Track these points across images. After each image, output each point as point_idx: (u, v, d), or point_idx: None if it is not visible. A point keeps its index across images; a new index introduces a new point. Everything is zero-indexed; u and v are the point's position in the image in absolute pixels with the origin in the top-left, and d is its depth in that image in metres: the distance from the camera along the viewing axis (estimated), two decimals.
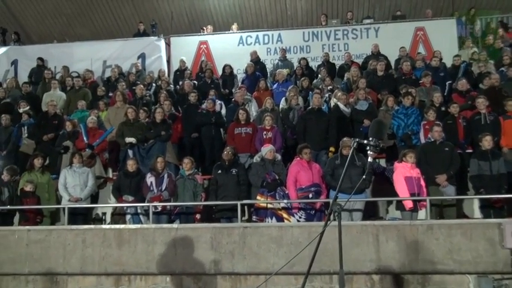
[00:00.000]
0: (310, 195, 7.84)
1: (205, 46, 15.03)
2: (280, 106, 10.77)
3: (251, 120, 9.87)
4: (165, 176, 8.37)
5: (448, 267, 6.66)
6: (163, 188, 8.26)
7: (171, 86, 12.89)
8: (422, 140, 8.80)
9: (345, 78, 12.03)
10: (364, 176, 4.42)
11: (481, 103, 8.93)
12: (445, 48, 12.92)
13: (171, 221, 8.16)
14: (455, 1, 15.40)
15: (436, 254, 6.71)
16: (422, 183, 7.64)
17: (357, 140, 4.20)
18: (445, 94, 10.65)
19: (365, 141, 4.06)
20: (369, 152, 4.07)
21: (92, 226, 7.99)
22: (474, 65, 11.65)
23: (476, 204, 8.15)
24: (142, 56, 14.69)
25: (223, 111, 10.85)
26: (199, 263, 7.12)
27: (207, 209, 8.46)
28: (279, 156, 8.65)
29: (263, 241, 7.12)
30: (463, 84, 10.31)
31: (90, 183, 8.68)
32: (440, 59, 12.01)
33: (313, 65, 13.58)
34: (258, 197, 7.99)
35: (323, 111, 9.77)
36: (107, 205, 9.23)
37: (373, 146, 4.02)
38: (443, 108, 9.55)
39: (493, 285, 6.46)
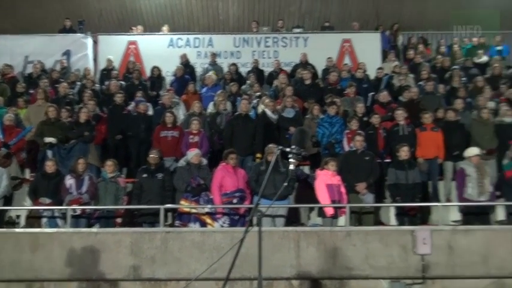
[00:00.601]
0: (235, 201, 7.86)
1: (134, 46, 14.72)
2: (208, 110, 10.74)
3: (178, 124, 9.77)
4: (86, 178, 8.10)
5: (364, 272, 6.90)
6: (84, 190, 7.98)
7: (97, 85, 12.51)
8: (346, 149, 9.06)
9: (273, 85, 12.20)
10: (285, 183, 4.50)
11: (400, 115, 9.33)
12: (369, 61, 13.38)
13: (90, 225, 7.89)
14: (380, 16, 16.02)
15: (353, 259, 6.94)
16: (343, 190, 7.87)
17: (280, 147, 4.29)
18: (368, 105, 11.04)
19: (287, 149, 4.14)
20: (290, 160, 4.14)
21: (4, 230, 7.58)
22: (395, 77, 12.17)
23: (392, 212, 8.49)
24: (67, 53, 14.15)
25: (150, 113, 10.68)
26: (118, 268, 6.95)
27: (129, 213, 8.27)
28: (204, 161, 8.63)
29: (185, 246, 7.06)
30: (384, 96, 10.74)
31: (3, 184, 8.21)
32: (364, 71, 12.46)
33: (243, 70, 13.63)
34: (182, 202, 7.90)
35: (250, 117, 9.83)
36: (21, 207, 8.77)
37: (295, 153, 4.11)
38: (365, 119, 9.89)
39: None
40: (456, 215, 8.40)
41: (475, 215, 7.96)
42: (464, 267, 6.91)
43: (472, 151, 8.27)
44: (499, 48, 14.56)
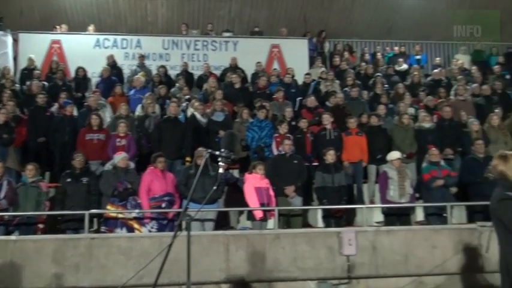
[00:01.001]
0: (163, 205, 7.77)
1: (58, 46, 14.22)
2: (136, 113, 10.54)
3: (104, 127, 9.50)
4: (4, 183, 7.67)
5: (292, 274, 7.01)
6: (2, 196, 7.55)
7: (17, 85, 11.94)
8: (275, 152, 9.18)
9: (203, 89, 12.18)
10: (215, 187, 4.49)
11: (327, 119, 9.59)
12: (297, 66, 13.71)
13: (8, 233, 7.49)
14: (308, 23, 16.40)
15: (282, 262, 7.03)
16: (272, 193, 7.98)
17: (210, 150, 4.29)
18: (296, 109, 11.26)
19: (217, 153, 4.14)
20: (219, 163, 4.14)
21: None
22: (322, 83, 12.50)
23: (319, 214, 8.69)
24: None
25: (75, 115, 10.31)
26: (39, 277, 6.63)
27: (52, 219, 7.93)
28: (132, 165, 8.45)
29: (111, 252, 6.86)
30: (311, 101, 11.02)
31: None
32: (293, 76, 12.72)
33: (172, 73, 13.51)
34: (108, 207, 7.67)
35: (179, 121, 9.75)
36: None
37: (225, 157, 4.11)
38: (293, 123, 10.09)
39: None
40: (379, 216, 8.76)
41: (397, 216, 8.31)
42: (386, 267, 7.18)
43: (394, 155, 8.63)
44: (418, 57, 15.40)
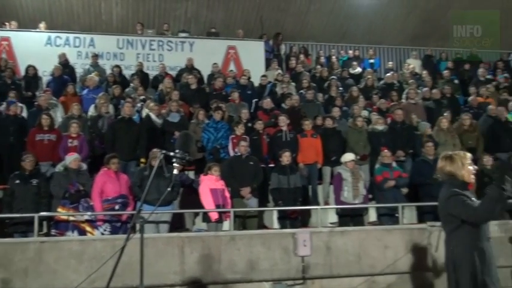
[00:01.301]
0: (117, 207, 7.61)
1: (6, 43, 13.78)
2: (89, 113, 10.32)
3: (55, 127, 9.24)
4: None
5: (248, 276, 7.00)
6: None
7: None
8: (231, 153, 9.17)
9: (159, 89, 12.04)
10: (169, 188, 4.43)
11: (283, 121, 9.66)
12: (253, 68, 13.74)
13: None
14: (264, 25, 16.48)
15: (237, 263, 7.01)
16: (227, 195, 7.96)
17: (164, 151, 4.24)
18: (252, 111, 11.29)
19: (171, 153, 4.09)
20: (174, 164, 4.10)
21: None
22: (278, 85, 12.59)
23: (275, 216, 8.74)
24: None
25: (24, 115, 9.98)
26: None
27: None
28: (84, 166, 8.24)
29: (62, 256, 6.66)
30: (267, 103, 11.07)
31: None
32: (249, 78, 12.75)
33: (127, 73, 13.32)
34: (59, 209, 7.46)
35: (134, 121, 9.60)
36: None
37: (179, 158, 4.07)
38: (250, 124, 10.11)
39: None
40: (333, 217, 8.88)
41: (350, 217, 8.45)
42: (340, 267, 7.28)
43: (348, 157, 8.77)
44: (371, 61, 15.73)
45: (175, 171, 4.17)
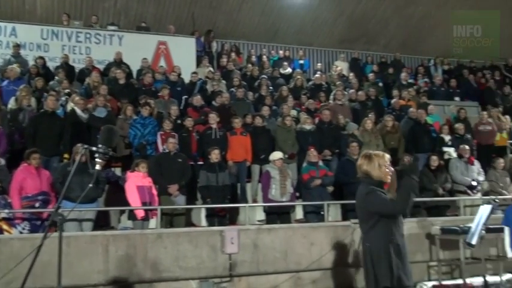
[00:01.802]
0: (37, 205, 7.28)
1: None
2: (9, 106, 9.82)
3: None
4: None
5: (174, 274, 6.92)
6: None
7: None
8: (160, 150, 9.03)
9: (85, 83, 11.63)
10: (91, 184, 4.27)
11: (212, 119, 9.63)
12: (184, 65, 13.60)
13: None
14: (196, 22, 16.36)
15: (164, 261, 6.92)
16: (154, 192, 7.83)
17: (86, 146, 4.10)
18: (181, 108, 11.17)
19: (94, 148, 3.96)
20: (97, 160, 3.97)
21: None
22: (209, 83, 12.54)
23: (203, 213, 8.70)
24: None
25: None
26: None
27: None
28: (2, 161, 7.89)
29: None
30: (197, 100, 11.01)
31: None
32: (179, 74, 12.60)
33: (51, 65, 12.77)
34: None
35: (57, 115, 9.23)
36: None
37: (102, 153, 3.95)
38: (179, 121, 10.00)
39: None
40: (261, 215, 8.97)
41: (278, 215, 8.56)
42: (267, 264, 7.36)
43: (276, 155, 8.88)
44: (301, 62, 16.05)
45: (98, 167, 4.03)
